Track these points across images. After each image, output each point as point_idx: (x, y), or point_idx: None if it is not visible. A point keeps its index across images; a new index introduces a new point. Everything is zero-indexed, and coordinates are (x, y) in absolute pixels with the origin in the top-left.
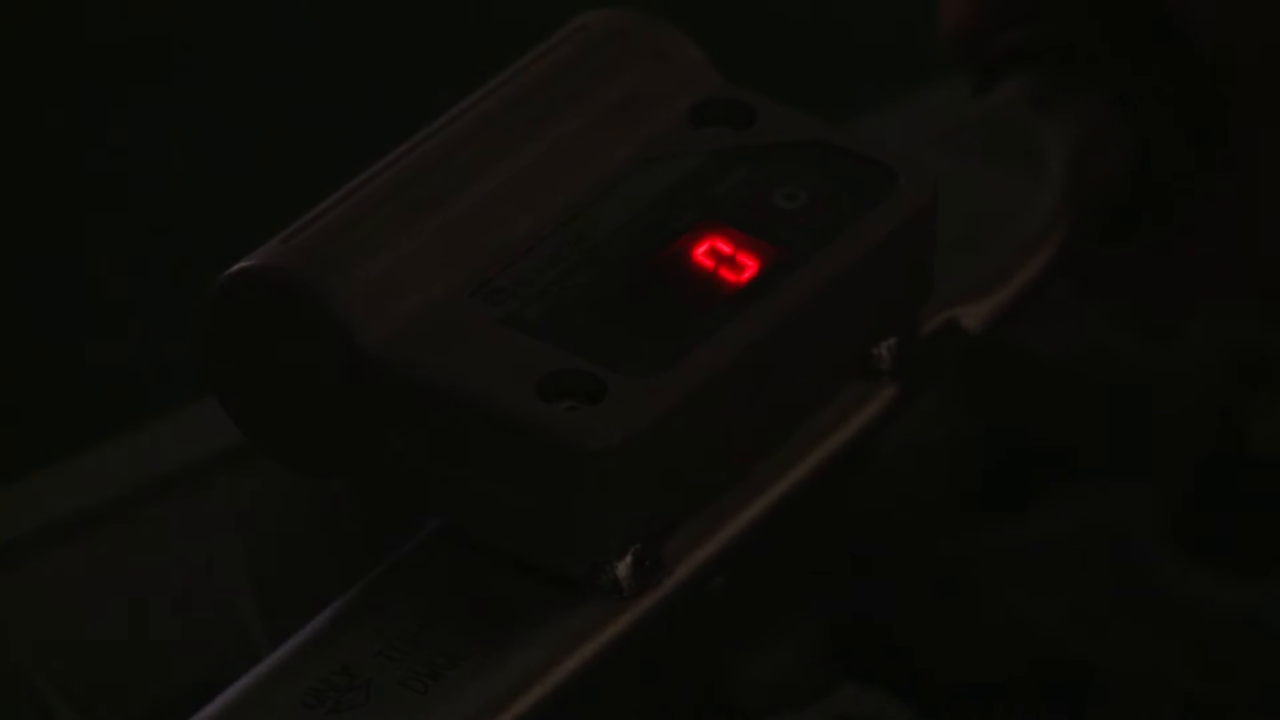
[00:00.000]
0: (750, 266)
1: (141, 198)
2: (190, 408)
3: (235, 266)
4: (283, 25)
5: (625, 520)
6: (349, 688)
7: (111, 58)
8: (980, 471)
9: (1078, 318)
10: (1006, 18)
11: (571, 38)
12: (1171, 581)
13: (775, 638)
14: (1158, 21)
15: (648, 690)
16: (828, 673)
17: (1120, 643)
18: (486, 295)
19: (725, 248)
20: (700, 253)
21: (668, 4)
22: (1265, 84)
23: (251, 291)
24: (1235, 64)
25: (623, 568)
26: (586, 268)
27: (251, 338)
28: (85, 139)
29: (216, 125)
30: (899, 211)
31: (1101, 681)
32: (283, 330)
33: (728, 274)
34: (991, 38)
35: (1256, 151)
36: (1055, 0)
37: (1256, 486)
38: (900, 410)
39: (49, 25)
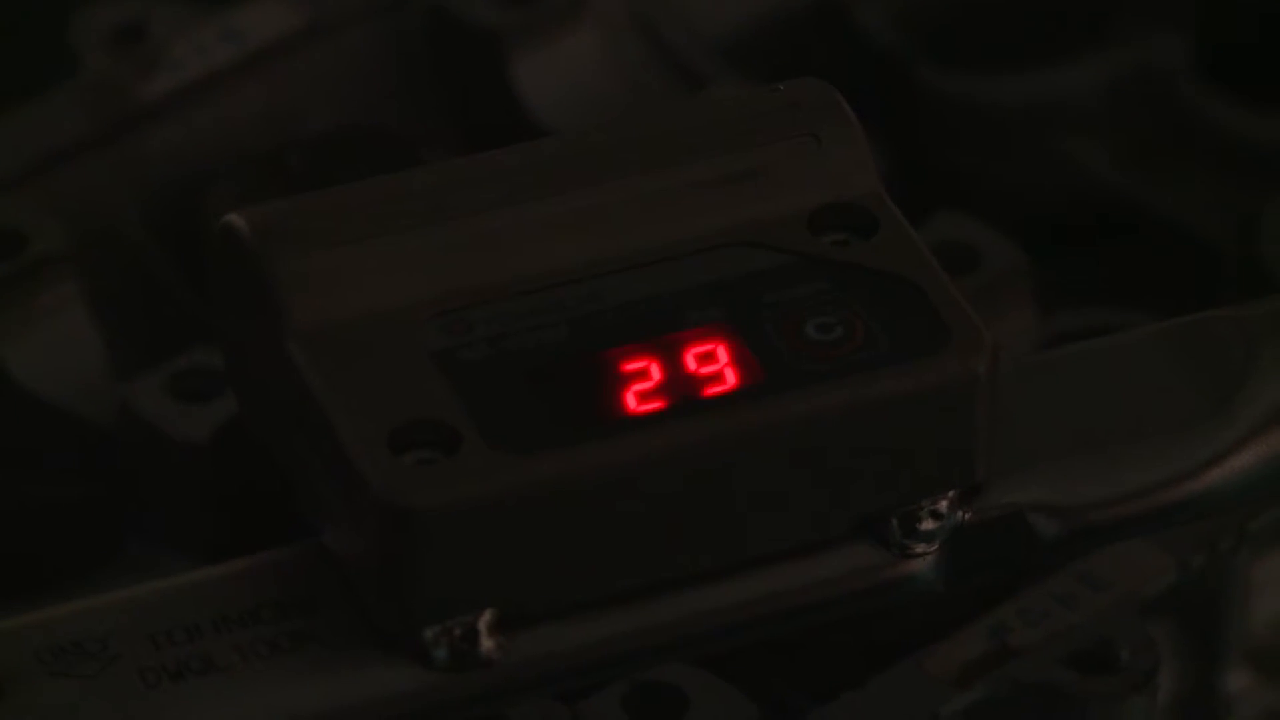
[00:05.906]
0: (727, 384)
1: None
2: None
3: (226, 216)
4: None
5: (448, 591)
6: (91, 657)
7: None
8: None
9: None
10: None
11: (754, 95)
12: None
13: None
14: None
15: None
16: None
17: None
18: (446, 324)
19: (721, 357)
20: (689, 354)
21: None
22: None
23: (226, 245)
24: None
25: (434, 639)
26: (564, 329)
27: (229, 290)
28: None
29: None
30: (924, 376)
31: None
32: (245, 292)
33: (694, 384)
34: None
35: None
36: None
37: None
38: (917, 591)
39: None
